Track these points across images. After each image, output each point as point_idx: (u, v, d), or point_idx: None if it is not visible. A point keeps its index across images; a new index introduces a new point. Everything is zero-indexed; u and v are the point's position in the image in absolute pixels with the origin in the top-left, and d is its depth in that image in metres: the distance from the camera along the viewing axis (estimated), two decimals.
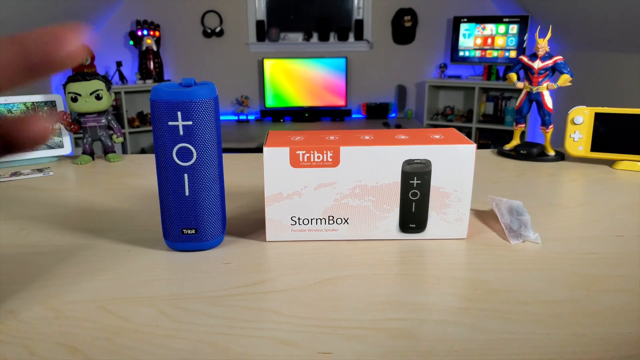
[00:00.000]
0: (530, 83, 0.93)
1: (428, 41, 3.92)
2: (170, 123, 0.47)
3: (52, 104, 0.97)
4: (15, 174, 0.88)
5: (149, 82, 3.71)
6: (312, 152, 0.53)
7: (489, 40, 3.60)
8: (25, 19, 2.65)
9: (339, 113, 3.95)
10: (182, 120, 0.47)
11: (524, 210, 0.60)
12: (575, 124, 0.86)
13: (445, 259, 0.52)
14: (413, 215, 0.56)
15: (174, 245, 0.53)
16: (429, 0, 3.82)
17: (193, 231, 0.52)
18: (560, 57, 0.90)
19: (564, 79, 0.89)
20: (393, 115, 4.09)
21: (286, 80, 3.91)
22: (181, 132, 0.47)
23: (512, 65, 0.96)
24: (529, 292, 0.45)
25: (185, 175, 0.50)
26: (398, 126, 3.68)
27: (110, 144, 0.97)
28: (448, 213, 0.56)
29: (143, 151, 3.97)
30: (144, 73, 3.74)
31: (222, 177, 0.53)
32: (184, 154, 0.48)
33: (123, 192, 0.77)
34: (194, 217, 0.51)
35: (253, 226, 0.61)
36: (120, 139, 0.99)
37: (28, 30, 0.28)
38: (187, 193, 0.50)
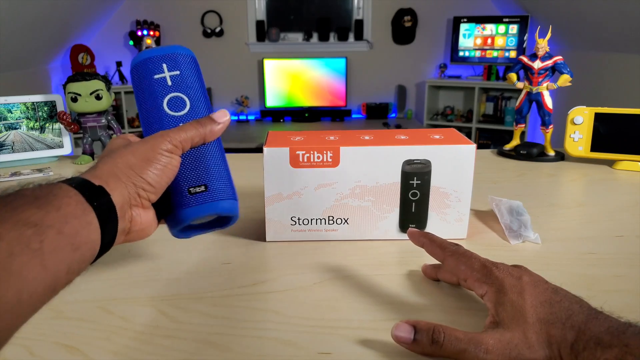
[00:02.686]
0: (530, 83, 0.93)
1: (428, 41, 3.92)
2: (156, 76, 0.43)
3: (52, 104, 0.97)
4: (15, 174, 0.88)
5: None
6: (312, 152, 0.53)
7: (489, 41, 3.60)
8: (26, 18, 2.65)
9: (339, 113, 3.95)
10: (169, 71, 0.43)
11: (524, 211, 0.60)
12: (575, 124, 0.86)
13: None
14: (413, 215, 0.56)
15: (184, 215, 0.41)
16: (429, 0, 3.82)
17: (202, 188, 0.41)
18: (560, 57, 0.90)
19: (564, 79, 0.89)
20: (393, 115, 4.09)
21: (286, 80, 3.90)
22: (169, 82, 0.43)
23: (512, 65, 0.97)
24: None
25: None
26: (398, 126, 3.68)
27: None
28: (448, 213, 0.56)
29: None
30: None
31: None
32: (176, 104, 0.43)
33: None
34: (200, 169, 0.42)
35: (253, 226, 0.61)
36: None
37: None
38: None
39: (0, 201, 0.29)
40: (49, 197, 0.30)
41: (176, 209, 0.41)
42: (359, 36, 3.91)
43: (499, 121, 3.67)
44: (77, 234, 0.31)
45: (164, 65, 0.43)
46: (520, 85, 0.94)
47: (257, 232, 0.59)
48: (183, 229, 0.43)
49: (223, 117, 0.42)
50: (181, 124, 0.42)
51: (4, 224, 0.27)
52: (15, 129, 0.94)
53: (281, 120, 3.99)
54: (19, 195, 0.30)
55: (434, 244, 0.43)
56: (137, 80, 0.44)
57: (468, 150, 0.53)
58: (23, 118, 0.94)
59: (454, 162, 0.54)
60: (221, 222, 0.45)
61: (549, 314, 0.33)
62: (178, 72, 0.44)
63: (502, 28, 3.55)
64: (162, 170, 0.38)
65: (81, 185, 0.33)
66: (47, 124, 0.96)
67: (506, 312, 0.34)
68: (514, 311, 0.34)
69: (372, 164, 0.53)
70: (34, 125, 0.95)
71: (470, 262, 0.39)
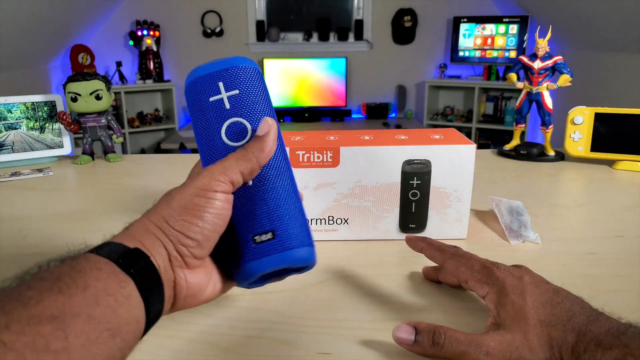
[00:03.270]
0: (530, 83, 0.92)
1: (428, 41, 3.92)
2: (212, 99, 0.36)
3: (52, 104, 0.97)
4: (15, 174, 0.88)
5: (149, 82, 3.71)
6: (312, 152, 0.53)
7: (489, 41, 3.60)
8: (26, 18, 2.65)
9: (339, 113, 3.95)
10: (226, 91, 0.36)
11: (524, 211, 0.60)
12: (575, 124, 0.86)
13: None
14: (413, 215, 0.56)
15: (248, 270, 0.34)
16: (429, 0, 3.82)
17: (269, 235, 0.34)
18: (560, 57, 0.90)
19: (564, 79, 0.88)
20: (393, 115, 4.08)
21: (286, 80, 3.90)
22: (227, 106, 0.36)
23: (512, 65, 0.96)
24: None
25: None
26: (398, 126, 3.68)
27: (110, 144, 0.97)
28: (448, 213, 0.56)
29: (143, 151, 3.96)
30: (144, 73, 3.73)
31: (287, 158, 0.37)
32: (236, 132, 0.35)
33: (123, 192, 0.77)
34: (266, 214, 0.34)
35: None
36: (120, 139, 0.99)
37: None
38: (249, 182, 0.35)
39: (10, 294, 0.23)
40: (72, 274, 0.25)
41: (240, 262, 0.34)
42: (359, 36, 3.90)
43: (499, 121, 3.66)
44: (114, 315, 0.25)
45: (220, 84, 0.36)
46: (520, 85, 0.94)
47: None
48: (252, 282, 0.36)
49: (266, 127, 0.34)
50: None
51: (14, 325, 0.21)
52: (15, 129, 0.94)
53: (281, 120, 3.99)
54: (35, 279, 0.24)
55: (432, 248, 0.44)
56: (191, 104, 0.37)
57: (468, 150, 0.53)
58: (23, 118, 0.94)
59: (454, 162, 0.54)
60: (296, 268, 0.37)
61: (550, 316, 0.33)
62: (237, 92, 0.36)
63: (502, 28, 3.55)
64: (203, 217, 0.31)
65: (113, 251, 0.28)
66: (47, 124, 0.96)
67: (507, 314, 0.34)
68: (515, 312, 0.34)
69: (372, 164, 0.53)
70: (33, 125, 0.95)
71: (470, 263, 0.39)
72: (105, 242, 0.29)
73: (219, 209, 0.31)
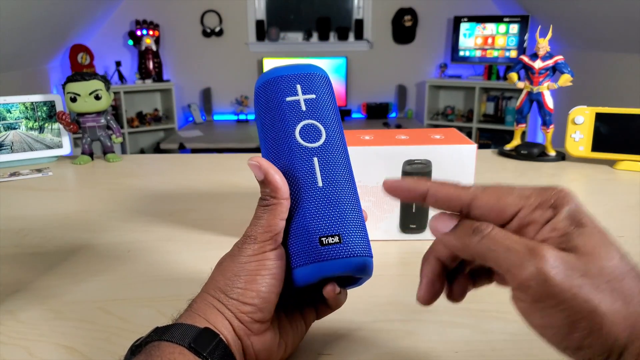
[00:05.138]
0: (531, 83, 0.92)
1: (428, 41, 3.92)
2: (288, 99, 0.37)
3: (51, 104, 0.97)
4: (14, 174, 0.87)
5: (148, 81, 3.70)
6: None
7: (490, 40, 3.59)
8: (26, 18, 2.64)
9: None
10: (304, 94, 0.38)
11: None
12: (576, 124, 0.86)
13: None
14: (413, 215, 0.55)
15: (314, 271, 0.33)
16: None
17: (336, 239, 0.34)
18: (561, 56, 0.90)
19: (565, 79, 0.88)
20: (393, 115, 4.08)
21: None
22: (304, 108, 0.37)
23: (513, 65, 0.96)
24: None
25: (315, 159, 0.36)
26: (398, 126, 3.67)
27: (109, 144, 0.97)
28: None
29: (142, 151, 3.96)
30: (143, 73, 3.73)
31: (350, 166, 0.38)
32: (310, 133, 0.37)
33: (122, 192, 0.77)
34: (334, 216, 0.35)
35: None
36: (120, 139, 0.98)
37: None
38: (319, 183, 0.35)
39: None
40: None
41: (303, 262, 0.33)
42: (359, 36, 3.90)
43: (499, 121, 3.66)
44: None
45: (298, 87, 0.38)
46: (520, 85, 0.94)
47: None
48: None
49: (257, 169, 0.33)
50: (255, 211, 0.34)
51: None
52: (14, 129, 0.93)
53: None
54: None
55: (446, 188, 0.30)
56: (263, 101, 0.38)
57: (469, 150, 0.53)
58: (22, 118, 0.94)
59: (455, 162, 0.53)
60: (352, 279, 0.37)
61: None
62: (314, 96, 0.38)
63: (502, 27, 3.55)
64: (257, 280, 0.31)
65: (184, 334, 0.29)
66: (46, 124, 0.96)
67: (588, 237, 0.26)
68: (602, 237, 0.26)
69: (372, 164, 0.53)
70: (33, 125, 0.95)
71: (518, 188, 0.28)
72: (176, 324, 0.30)
73: (271, 269, 0.31)
